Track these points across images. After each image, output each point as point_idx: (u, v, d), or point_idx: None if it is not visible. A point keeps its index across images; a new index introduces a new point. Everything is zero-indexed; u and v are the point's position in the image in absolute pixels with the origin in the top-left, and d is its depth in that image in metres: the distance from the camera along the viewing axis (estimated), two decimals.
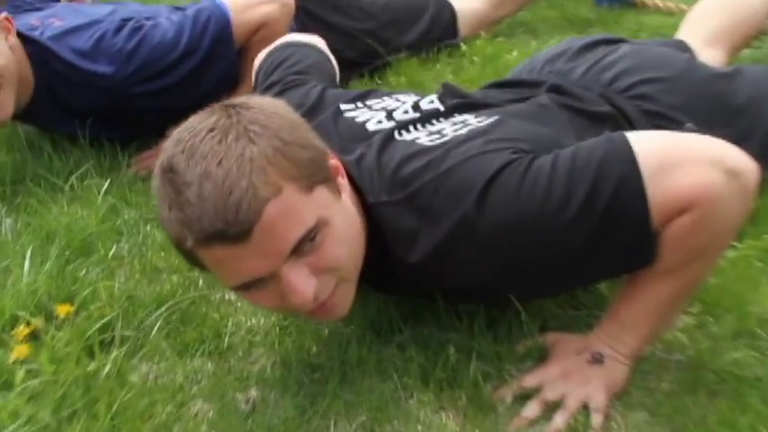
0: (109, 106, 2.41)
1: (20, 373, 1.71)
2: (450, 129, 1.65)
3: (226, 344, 1.80)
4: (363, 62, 2.96)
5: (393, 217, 1.54)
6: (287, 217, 1.37)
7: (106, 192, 2.32)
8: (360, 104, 1.84)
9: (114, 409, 1.60)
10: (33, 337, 1.83)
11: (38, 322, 1.84)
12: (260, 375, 1.71)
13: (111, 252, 2.11)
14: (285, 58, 2.11)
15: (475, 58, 3.02)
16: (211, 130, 1.37)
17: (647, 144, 1.45)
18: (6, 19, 2.44)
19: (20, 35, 2.48)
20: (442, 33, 3.12)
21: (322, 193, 1.43)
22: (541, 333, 1.69)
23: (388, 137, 1.64)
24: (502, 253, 1.48)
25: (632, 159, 1.42)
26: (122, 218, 2.21)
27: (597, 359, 1.59)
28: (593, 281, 1.71)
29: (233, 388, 1.68)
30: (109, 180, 2.37)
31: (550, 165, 1.47)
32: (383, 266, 1.58)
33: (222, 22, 2.53)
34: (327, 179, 1.45)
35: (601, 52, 2.09)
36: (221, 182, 1.32)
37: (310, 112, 1.76)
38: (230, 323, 1.85)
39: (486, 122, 1.66)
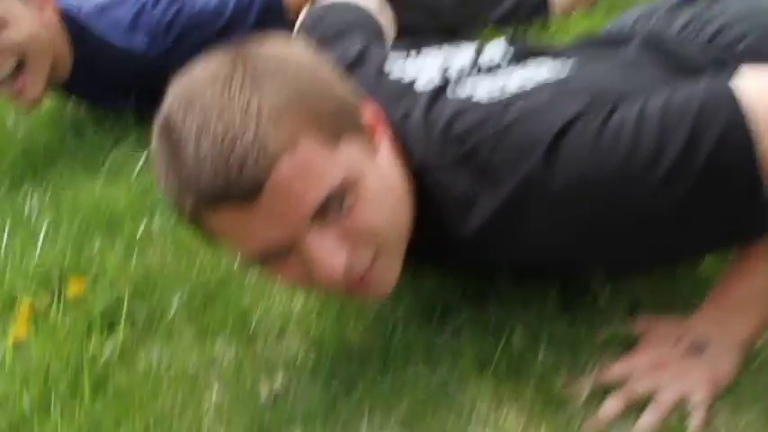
0: (151, 83, 2.19)
1: (9, 355, 1.48)
2: (512, 82, 1.41)
3: (253, 328, 1.58)
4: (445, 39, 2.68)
5: (445, 180, 1.31)
6: (305, 175, 1.17)
7: (142, 168, 2.08)
8: (407, 62, 1.61)
9: (108, 395, 1.40)
10: (36, 316, 1.63)
11: (43, 301, 1.61)
12: (289, 363, 1.49)
13: (141, 230, 1.88)
14: (322, 17, 1.96)
15: (566, 38, 2.72)
16: (213, 79, 1.19)
17: (756, 89, 1.22)
18: None
19: (60, 12, 2.33)
20: (532, 10, 2.84)
21: (351, 147, 1.23)
22: (629, 318, 1.42)
23: (438, 92, 1.42)
24: (575, 218, 1.25)
25: (738, 108, 1.19)
26: (157, 195, 1.96)
27: (698, 348, 1.32)
28: (690, 255, 1.42)
29: (255, 376, 1.46)
30: (146, 156, 2.12)
31: (636, 114, 1.24)
32: (436, 239, 1.36)
33: None
34: (359, 133, 1.25)
35: (702, 4, 1.80)
36: (221, 137, 1.14)
37: (349, 70, 1.55)
38: (261, 306, 1.63)
39: (557, 75, 1.43)
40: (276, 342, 1.55)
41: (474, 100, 1.36)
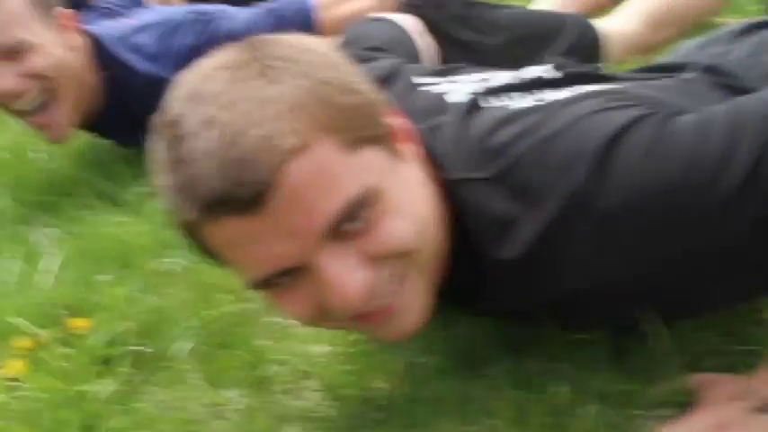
0: None
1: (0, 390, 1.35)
2: (556, 94, 1.31)
3: (269, 373, 1.46)
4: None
5: (481, 198, 1.18)
6: (319, 180, 1.04)
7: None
8: (442, 78, 1.51)
9: None
10: (34, 351, 1.50)
11: (43, 335, 1.48)
12: (305, 414, 1.37)
13: (155, 266, 1.77)
14: (359, 35, 1.87)
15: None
16: (223, 66, 1.09)
17: None
18: (64, 15, 2.21)
19: (85, 35, 2.26)
20: (584, 57, 2.70)
21: (373, 154, 1.10)
22: (689, 372, 1.27)
23: (473, 103, 1.31)
24: (629, 239, 1.11)
25: None
26: (176, 232, 1.83)
27: (764, 408, 1.17)
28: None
29: (266, 426, 1.34)
30: None
31: (698, 118, 1.12)
32: (469, 269, 1.23)
33: (304, 16, 2.31)
34: (382, 138, 1.12)
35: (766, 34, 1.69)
36: (228, 130, 1.01)
37: (380, 85, 1.39)
38: (279, 349, 1.51)
39: (608, 88, 1.32)
40: (293, 390, 1.43)
41: (512, 109, 1.25)
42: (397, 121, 1.17)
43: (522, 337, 1.40)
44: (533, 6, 3.04)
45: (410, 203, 1.13)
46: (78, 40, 2.22)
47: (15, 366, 1.47)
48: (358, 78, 1.14)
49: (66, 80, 2.14)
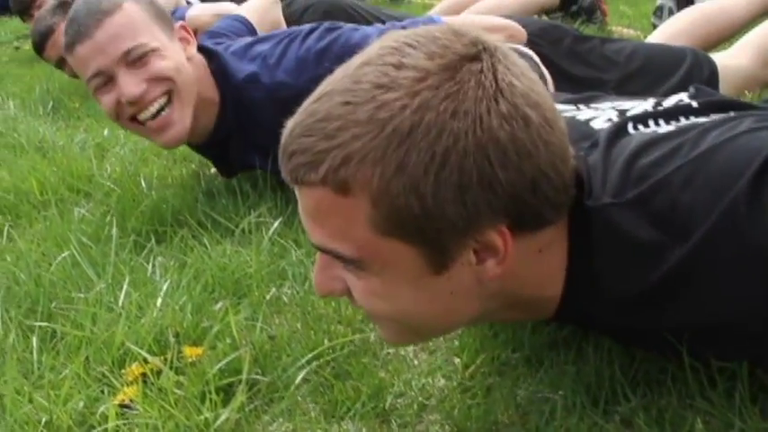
0: None
1: (113, 416, 1.33)
2: (702, 119, 1.26)
3: (388, 405, 1.41)
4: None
5: (620, 223, 1.12)
6: (331, 218, 1.09)
7: (276, 233, 1.95)
8: (581, 106, 1.48)
9: None
10: (147, 378, 1.48)
11: (156, 362, 1.44)
12: None
13: (268, 296, 1.72)
14: None
15: None
16: (398, 66, 1.07)
17: None
18: (183, 28, 2.21)
19: (203, 50, 2.26)
20: None
21: (402, 250, 1.08)
22: None
23: (619, 129, 1.26)
24: None
25: None
26: (289, 261, 1.80)
27: None
28: None
29: None
30: (281, 220, 1.97)
31: None
32: (582, 300, 1.20)
33: None
34: (434, 248, 1.07)
35: None
36: (320, 117, 1.08)
37: None
38: (399, 381, 1.45)
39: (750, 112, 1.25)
40: (414, 423, 1.37)
41: (659, 132, 1.19)
42: (494, 242, 1.07)
43: (653, 374, 1.34)
44: (649, 40, 2.98)
45: (400, 302, 1.13)
46: (196, 55, 2.22)
47: (129, 393, 1.44)
48: (480, 192, 1.03)
49: (187, 86, 2.14)
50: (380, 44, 1.08)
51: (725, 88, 2.69)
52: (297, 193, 1.10)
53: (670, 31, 2.96)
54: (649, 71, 2.62)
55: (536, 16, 3.90)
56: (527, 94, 1.05)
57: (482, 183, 1.02)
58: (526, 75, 1.08)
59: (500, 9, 3.51)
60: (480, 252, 1.07)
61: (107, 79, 2.11)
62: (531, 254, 1.12)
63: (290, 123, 1.10)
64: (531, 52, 1.95)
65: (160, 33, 2.13)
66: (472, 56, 1.05)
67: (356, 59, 1.09)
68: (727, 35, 3.03)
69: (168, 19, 2.20)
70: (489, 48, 1.07)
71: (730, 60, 2.75)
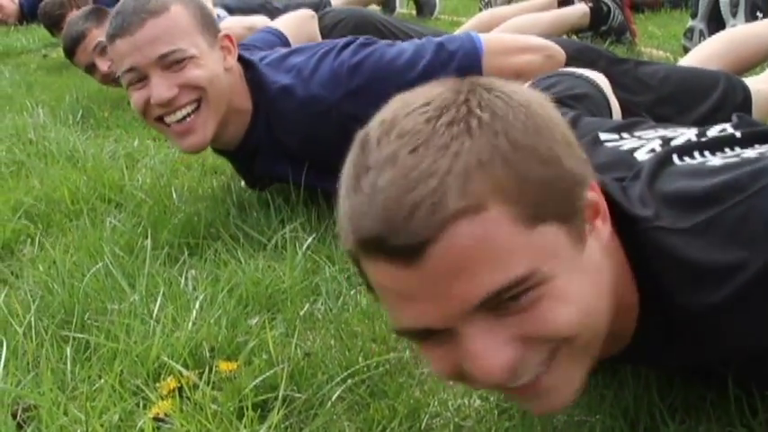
0: (324, 137, 2.07)
1: (148, 430, 1.32)
2: (752, 153, 1.23)
3: (423, 425, 1.40)
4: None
5: (680, 248, 1.12)
6: (485, 250, 0.98)
7: (310, 249, 1.95)
8: (625, 134, 1.46)
9: None
10: (182, 391, 1.48)
11: (190, 376, 1.44)
12: None
13: (302, 311, 1.71)
14: (550, 86, 1.82)
15: None
16: (426, 103, 1.03)
17: None
18: (227, 37, 2.22)
19: (240, 60, 2.27)
20: (734, 112, 2.60)
21: (552, 233, 1.02)
22: None
23: (664, 159, 1.25)
24: None
25: None
26: (323, 276, 1.80)
27: None
28: None
29: None
30: (314, 235, 1.96)
31: None
32: (657, 326, 1.17)
33: (472, 58, 2.22)
34: (570, 217, 1.04)
35: None
36: (406, 173, 0.97)
37: None
38: (434, 401, 1.44)
39: None
40: None
41: (709, 164, 1.17)
42: (594, 196, 1.09)
43: (695, 399, 1.33)
44: (681, 63, 2.97)
45: (579, 291, 1.04)
46: (235, 65, 2.23)
47: (164, 406, 1.44)
48: (564, 147, 1.05)
49: (217, 95, 2.15)
50: (379, 118, 1.06)
51: (757, 113, 2.67)
52: (421, 271, 0.98)
53: (702, 55, 2.95)
54: (683, 95, 2.61)
55: (565, 36, 3.90)
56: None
57: (567, 139, 1.06)
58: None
59: (530, 28, 3.50)
60: (588, 212, 1.07)
61: (141, 77, 2.13)
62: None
63: (365, 220, 0.99)
64: (600, 76, 1.94)
65: (201, 41, 2.14)
66: (458, 81, 1.07)
67: (360, 147, 1.04)
68: (760, 59, 3.02)
69: (214, 27, 2.22)
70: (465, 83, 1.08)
71: (762, 85, 2.74)
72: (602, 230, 1.09)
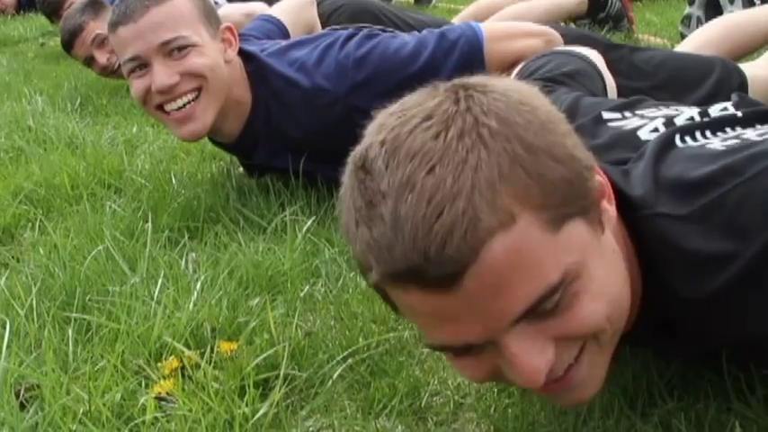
0: (329, 129, 2.07)
1: (151, 409, 1.33)
2: (753, 134, 1.24)
3: (424, 403, 1.42)
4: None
5: (678, 235, 1.12)
6: (520, 263, 0.97)
7: (310, 231, 1.96)
8: (627, 113, 1.46)
9: None
10: (184, 371, 1.50)
11: (192, 356, 1.45)
12: None
13: (303, 293, 1.74)
14: (541, 65, 1.82)
15: None
16: (428, 117, 1.00)
17: None
18: (229, 29, 2.24)
19: (241, 52, 2.28)
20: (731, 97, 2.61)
21: (577, 229, 1.02)
22: None
23: (667, 141, 1.25)
24: None
25: None
26: (322, 259, 1.81)
27: None
28: None
29: None
30: (314, 218, 1.97)
31: None
32: (658, 311, 1.18)
33: (473, 45, 2.23)
34: (588, 208, 1.04)
35: None
36: (429, 198, 0.94)
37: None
38: (434, 380, 1.46)
39: None
40: (450, 421, 1.38)
41: (709, 147, 1.18)
42: (601, 180, 1.09)
43: (693, 377, 1.34)
44: (677, 49, 2.98)
45: (605, 280, 1.05)
46: (237, 59, 2.24)
47: (166, 386, 1.45)
48: (570, 139, 1.05)
49: (218, 85, 2.16)
50: (378, 137, 1.01)
51: (757, 94, 2.68)
52: (460, 294, 0.97)
53: (699, 41, 2.95)
54: (679, 81, 2.61)
55: (562, 23, 3.90)
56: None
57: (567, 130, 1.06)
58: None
59: (527, 15, 3.50)
60: (597, 196, 1.07)
61: (142, 64, 2.14)
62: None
63: (393, 254, 0.96)
64: (592, 52, 1.94)
65: (203, 31, 2.15)
66: (449, 88, 1.05)
67: (362, 171, 1.01)
68: (756, 45, 3.02)
69: (216, 18, 2.23)
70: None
71: (758, 70, 2.74)
72: (610, 211, 1.10)
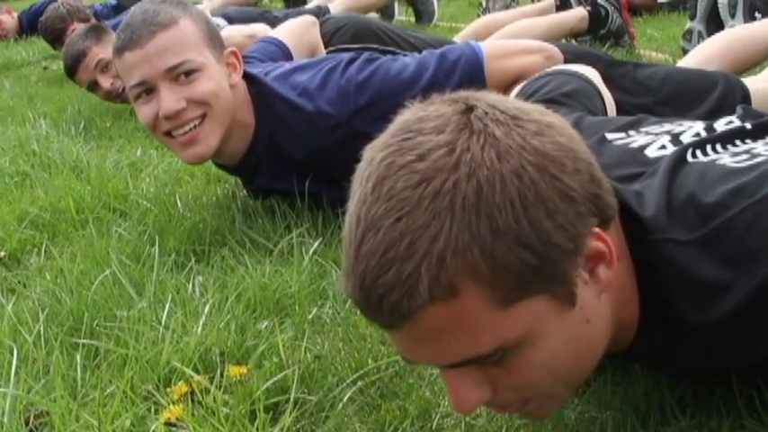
0: (331, 151, 2.07)
1: None
2: (762, 148, 1.24)
3: (435, 425, 1.41)
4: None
5: (687, 262, 1.12)
6: (454, 328, 1.01)
7: (316, 253, 1.96)
8: (632, 132, 1.45)
9: None
10: (193, 395, 1.49)
11: (201, 381, 1.44)
12: None
13: (311, 315, 1.74)
14: (541, 86, 1.81)
15: None
16: (421, 158, 1.00)
17: None
18: (234, 54, 2.24)
19: (244, 75, 2.27)
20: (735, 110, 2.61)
21: (533, 306, 1.03)
22: None
23: (678, 159, 1.25)
24: None
25: None
26: (329, 280, 1.81)
27: None
28: None
29: None
30: (320, 240, 1.97)
31: None
32: (659, 331, 1.18)
33: (474, 65, 2.24)
34: (554, 288, 1.03)
35: None
36: (384, 249, 0.98)
37: None
38: (445, 401, 1.45)
39: None
40: None
41: (719, 164, 1.17)
42: (598, 246, 1.06)
43: (704, 396, 1.33)
44: (680, 64, 2.97)
45: (557, 353, 1.07)
46: (241, 84, 2.24)
47: (176, 411, 1.44)
48: (556, 221, 1.00)
49: (222, 110, 2.15)
50: (380, 155, 1.03)
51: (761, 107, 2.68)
52: (399, 334, 1.04)
53: (701, 56, 2.95)
54: (682, 96, 2.61)
55: (564, 40, 3.90)
56: (529, 108, 1.08)
57: (563, 198, 1.01)
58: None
59: (528, 33, 3.51)
60: (589, 264, 1.06)
61: (149, 89, 2.13)
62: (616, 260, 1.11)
63: (349, 282, 1.02)
64: (590, 70, 1.94)
65: (209, 55, 2.14)
66: (465, 107, 1.04)
67: (360, 183, 1.04)
68: (758, 59, 3.02)
69: (220, 42, 2.22)
70: (471, 95, 1.08)
71: (761, 84, 2.74)
72: (603, 275, 1.08)
